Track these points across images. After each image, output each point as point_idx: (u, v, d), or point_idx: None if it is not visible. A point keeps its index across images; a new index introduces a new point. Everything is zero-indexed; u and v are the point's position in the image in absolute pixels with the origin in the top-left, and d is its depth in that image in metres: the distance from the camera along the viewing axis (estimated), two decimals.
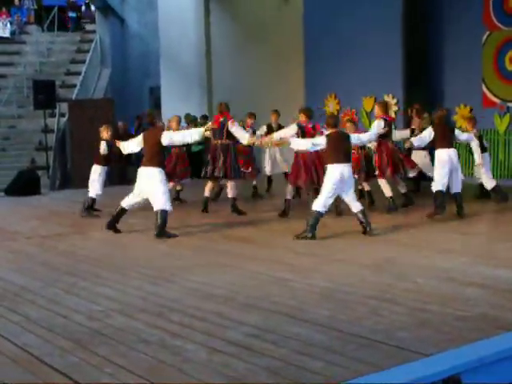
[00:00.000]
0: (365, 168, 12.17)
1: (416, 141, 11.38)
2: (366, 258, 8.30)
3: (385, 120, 11.81)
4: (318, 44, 18.91)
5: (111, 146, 12.41)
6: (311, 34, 19.16)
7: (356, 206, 9.90)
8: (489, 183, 12.60)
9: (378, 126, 11.68)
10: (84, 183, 19.94)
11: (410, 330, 5.44)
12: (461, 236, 9.71)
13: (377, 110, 12.03)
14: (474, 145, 12.46)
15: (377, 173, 11.89)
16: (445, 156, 11.09)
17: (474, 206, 11.99)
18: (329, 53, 18.54)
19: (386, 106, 12.38)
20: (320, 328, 5.56)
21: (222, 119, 11.92)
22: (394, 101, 17.26)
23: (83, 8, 32.02)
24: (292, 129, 11.54)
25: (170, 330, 5.59)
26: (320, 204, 9.67)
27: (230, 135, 11.89)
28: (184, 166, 13.61)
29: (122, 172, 18.63)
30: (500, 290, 6.60)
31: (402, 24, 16.84)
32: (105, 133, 12.81)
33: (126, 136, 19.32)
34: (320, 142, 10.02)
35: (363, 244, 9.31)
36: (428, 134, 11.28)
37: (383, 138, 11.74)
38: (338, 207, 11.31)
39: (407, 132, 13.36)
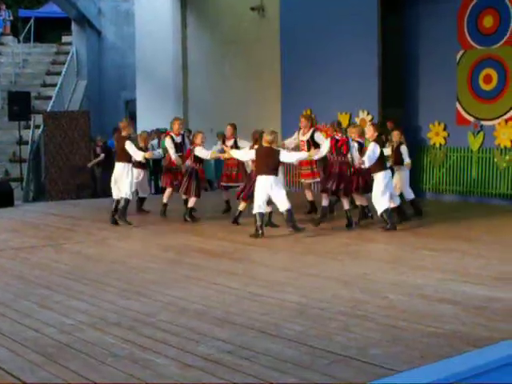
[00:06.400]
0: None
1: None
2: (338, 274, 8.33)
3: None
4: (294, 59, 18.98)
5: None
6: (288, 49, 19.22)
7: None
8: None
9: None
10: (58, 195, 20.04)
11: (382, 347, 5.47)
12: (431, 253, 9.77)
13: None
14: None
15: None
16: None
17: (439, 223, 12.19)
18: (305, 68, 18.61)
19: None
20: (292, 344, 5.57)
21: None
22: (369, 117, 17.36)
23: None
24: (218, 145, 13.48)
25: (142, 345, 5.58)
26: None
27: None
28: None
29: None
30: (471, 307, 6.66)
31: (378, 41, 16.95)
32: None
33: (106, 150, 19.36)
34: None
35: (336, 259, 9.34)
36: None
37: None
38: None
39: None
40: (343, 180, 11.81)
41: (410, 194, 13.18)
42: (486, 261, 9.08)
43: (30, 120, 21.95)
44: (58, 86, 25.13)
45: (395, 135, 13.08)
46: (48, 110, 22.94)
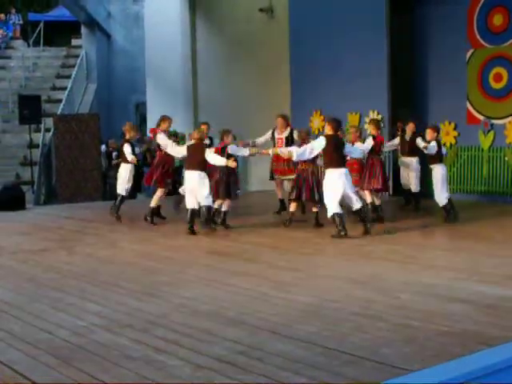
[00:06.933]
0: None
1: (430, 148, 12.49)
2: (349, 274, 8.32)
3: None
4: (303, 59, 18.97)
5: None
6: (297, 50, 19.23)
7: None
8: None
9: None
10: (69, 198, 20.10)
11: (395, 346, 5.46)
12: (443, 252, 9.77)
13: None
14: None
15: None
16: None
17: (450, 222, 12.20)
18: (314, 68, 18.61)
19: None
20: (304, 344, 5.57)
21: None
22: (379, 117, 17.34)
23: None
24: None
25: (155, 346, 5.59)
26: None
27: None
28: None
29: None
30: (483, 306, 6.64)
31: (387, 40, 16.94)
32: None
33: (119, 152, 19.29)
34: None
35: (346, 259, 9.34)
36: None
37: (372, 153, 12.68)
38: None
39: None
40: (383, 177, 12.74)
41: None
42: (498, 260, 9.06)
43: (40, 123, 22.05)
44: (68, 89, 25.22)
45: (429, 132, 12.76)
46: (58, 113, 23.02)
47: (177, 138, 14.37)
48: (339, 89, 17.89)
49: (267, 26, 21.18)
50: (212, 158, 11.72)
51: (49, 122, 22.19)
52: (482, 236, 11.06)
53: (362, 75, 17.30)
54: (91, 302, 7.17)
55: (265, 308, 6.77)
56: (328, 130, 11.33)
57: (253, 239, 11.14)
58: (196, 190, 11.73)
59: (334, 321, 6.25)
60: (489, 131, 15.79)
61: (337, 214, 10.98)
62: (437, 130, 12.96)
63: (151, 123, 23.00)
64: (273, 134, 13.85)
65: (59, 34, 32.24)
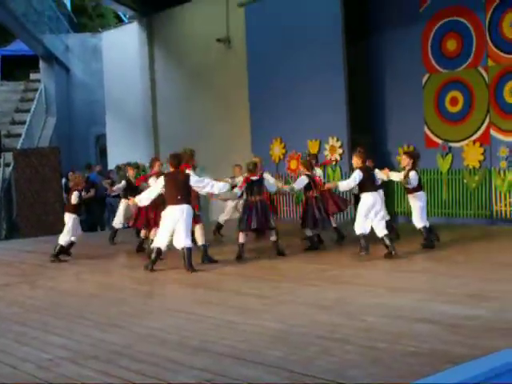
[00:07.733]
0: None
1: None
2: (315, 299, 8.34)
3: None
4: (262, 88, 19.10)
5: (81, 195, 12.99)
6: (255, 78, 19.36)
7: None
8: None
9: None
10: (31, 232, 19.89)
11: (362, 368, 5.47)
12: (406, 274, 9.83)
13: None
14: None
15: None
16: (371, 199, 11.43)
17: (411, 245, 12.26)
18: (273, 97, 18.73)
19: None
20: (271, 369, 5.55)
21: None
22: (339, 143, 17.48)
23: None
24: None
25: (120, 376, 5.53)
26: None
27: None
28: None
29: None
30: (448, 325, 6.69)
31: (344, 67, 17.12)
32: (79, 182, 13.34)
33: (92, 185, 19.10)
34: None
35: (311, 285, 9.35)
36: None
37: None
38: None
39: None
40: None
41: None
42: (460, 280, 9.14)
43: (0, 158, 21.87)
44: (27, 123, 25.09)
45: (404, 159, 12.25)
46: (18, 147, 22.87)
47: (138, 169, 14.35)
48: (299, 116, 18.04)
49: (225, 55, 21.31)
50: (73, 200, 12.68)
51: (8, 156, 22.03)
52: (443, 257, 11.16)
53: (321, 102, 17.47)
54: (55, 335, 7.09)
55: (231, 335, 6.75)
56: (170, 167, 11.06)
57: (216, 268, 11.11)
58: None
59: (302, 345, 6.24)
60: (447, 154, 15.99)
61: (158, 248, 10.87)
62: (412, 155, 12.11)
63: (112, 155, 23.00)
64: None
65: (17, 68, 32.10)
